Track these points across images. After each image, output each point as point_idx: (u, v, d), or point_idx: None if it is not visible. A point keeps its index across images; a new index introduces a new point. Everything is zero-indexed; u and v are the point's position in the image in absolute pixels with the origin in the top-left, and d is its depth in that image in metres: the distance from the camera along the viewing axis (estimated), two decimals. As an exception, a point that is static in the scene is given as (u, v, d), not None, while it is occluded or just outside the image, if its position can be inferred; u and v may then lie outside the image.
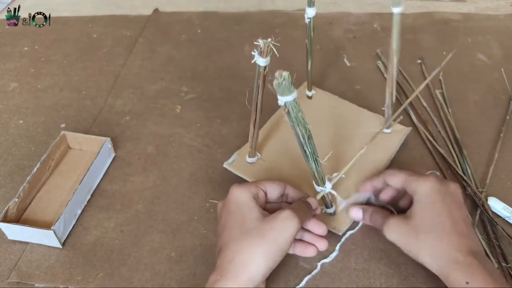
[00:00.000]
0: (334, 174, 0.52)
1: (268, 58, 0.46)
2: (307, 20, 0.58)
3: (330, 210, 0.53)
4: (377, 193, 0.51)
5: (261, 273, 0.41)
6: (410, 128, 0.63)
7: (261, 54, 0.45)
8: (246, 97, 0.52)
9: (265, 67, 0.47)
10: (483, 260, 0.41)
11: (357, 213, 0.50)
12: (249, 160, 0.59)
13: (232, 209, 0.44)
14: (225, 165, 0.58)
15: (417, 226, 0.43)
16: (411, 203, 0.46)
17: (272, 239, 0.41)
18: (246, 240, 0.41)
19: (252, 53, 0.46)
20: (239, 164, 0.58)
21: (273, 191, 0.48)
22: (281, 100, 0.38)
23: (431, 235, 0.42)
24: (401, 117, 0.61)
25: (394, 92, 0.58)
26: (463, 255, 0.41)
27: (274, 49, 0.44)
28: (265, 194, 0.47)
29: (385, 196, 0.51)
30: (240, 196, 0.45)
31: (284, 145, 0.61)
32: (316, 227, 0.47)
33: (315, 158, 0.44)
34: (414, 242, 0.43)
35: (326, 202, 0.51)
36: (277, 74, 0.37)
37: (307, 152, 0.44)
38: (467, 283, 0.39)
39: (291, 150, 0.59)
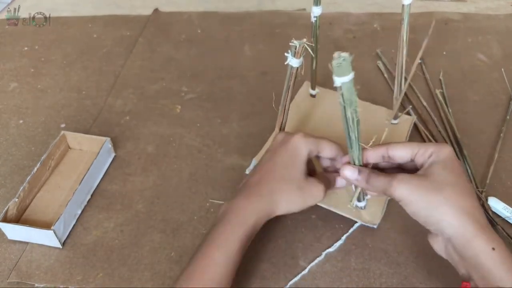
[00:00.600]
0: None
1: (302, 58, 0.46)
2: (313, 19, 0.58)
3: (361, 204, 0.52)
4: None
5: (281, 211, 0.47)
6: (415, 117, 0.64)
7: (295, 55, 0.45)
8: (275, 99, 0.53)
9: (297, 68, 0.46)
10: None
11: (352, 173, 0.45)
12: None
13: (289, 152, 0.48)
14: (247, 171, 0.59)
15: (437, 181, 0.40)
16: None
17: (305, 197, 0.48)
18: (287, 185, 0.47)
19: (286, 54, 0.46)
20: None
21: (325, 152, 0.49)
22: (338, 81, 0.37)
23: (456, 190, 0.40)
24: (410, 106, 0.61)
25: (403, 83, 0.59)
26: (486, 221, 0.39)
27: (309, 49, 0.44)
28: (318, 152, 0.50)
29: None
30: (300, 146, 0.48)
31: None
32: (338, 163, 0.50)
33: (359, 145, 0.43)
34: (434, 196, 0.40)
35: (358, 196, 0.50)
36: (336, 54, 0.36)
37: (353, 137, 0.42)
38: (493, 249, 0.37)
39: None
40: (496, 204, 0.54)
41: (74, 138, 0.62)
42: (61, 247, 0.52)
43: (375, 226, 0.52)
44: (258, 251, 0.51)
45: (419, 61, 0.79)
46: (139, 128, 0.67)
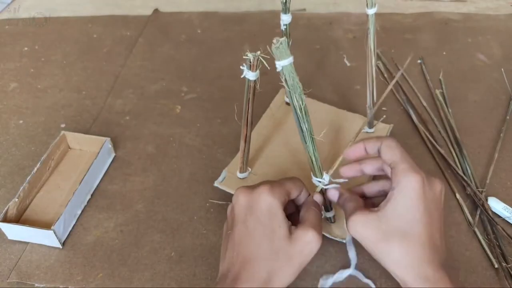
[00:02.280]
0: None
1: (258, 71, 0.45)
2: (283, 27, 0.56)
3: (330, 214, 0.51)
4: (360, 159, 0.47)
5: None
6: (391, 125, 0.63)
7: (250, 68, 0.44)
8: (237, 111, 0.50)
9: (255, 81, 0.46)
10: (449, 272, 0.39)
11: (333, 195, 0.47)
12: (240, 175, 0.56)
13: (262, 219, 0.42)
14: (216, 184, 0.56)
15: (388, 227, 0.40)
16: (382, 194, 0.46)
17: (299, 263, 0.42)
18: (275, 261, 0.41)
19: (241, 67, 0.45)
20: (231, 181, 0.56)
21: (294, 194, 0.46)
22: (278, 64, 0.38)
23: (404, 243, 0.40)
24: (384, 116, 0.60)
25: (375, 93, 0.58)
26: (433, 270, 0.39)
27: (264, 62, 0.43)
28: (289, 197, 0.46)
29: (369, 168, 0.47)
30: (271, 204, 0.42)
31: (273, 156, 0.59)
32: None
33: (312, 138, 0.42)
34: (381, 245, 0.40)
35: (325, 204, 0.49)
36: (274, 40, 0.37)
37: (304, 128, 0.42)
38: None
39: (281, 160, 0.58)
40: (496, 204, 0.54)
41: (74, 138, 0.62)
42: (61, 247, 0.52)
43: (344, 241, 0.50)
44: (258, 251, 0.51)
45: (419, 61, 0.79)
46: (139, 128, 0.68)
